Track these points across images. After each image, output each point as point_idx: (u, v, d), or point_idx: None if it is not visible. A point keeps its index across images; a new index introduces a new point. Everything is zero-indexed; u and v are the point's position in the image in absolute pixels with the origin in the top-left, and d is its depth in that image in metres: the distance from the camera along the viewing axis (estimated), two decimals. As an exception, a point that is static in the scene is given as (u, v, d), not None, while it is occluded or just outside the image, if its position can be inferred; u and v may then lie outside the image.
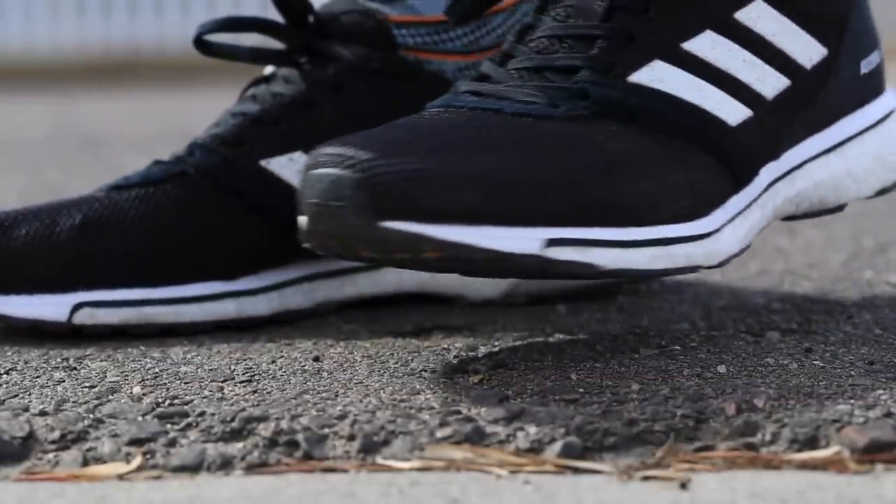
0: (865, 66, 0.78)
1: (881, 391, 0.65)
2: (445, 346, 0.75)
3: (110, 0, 5.51)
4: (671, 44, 0.70)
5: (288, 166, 0.80)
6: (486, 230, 0.64)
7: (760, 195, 0.73)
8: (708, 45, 0.71)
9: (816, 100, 0.75)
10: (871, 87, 0.79)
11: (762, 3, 0.72)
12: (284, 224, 0.79)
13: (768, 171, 0.73)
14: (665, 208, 0.67)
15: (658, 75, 0.69)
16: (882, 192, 0.80)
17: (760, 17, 0.72)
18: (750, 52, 0.72)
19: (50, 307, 0.78)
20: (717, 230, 0.70)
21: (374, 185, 0.63)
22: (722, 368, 0.69)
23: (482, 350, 0.73)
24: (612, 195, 0.66)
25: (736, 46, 0.71)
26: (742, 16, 0.72)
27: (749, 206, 0.72)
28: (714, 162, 0.70)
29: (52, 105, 3.34)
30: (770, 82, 0.72)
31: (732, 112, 0.71)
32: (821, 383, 0.66)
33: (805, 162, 0.76)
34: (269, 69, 0.85)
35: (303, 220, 0.67)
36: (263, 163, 0.80)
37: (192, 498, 0.57)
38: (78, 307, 0.78)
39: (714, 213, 0.70)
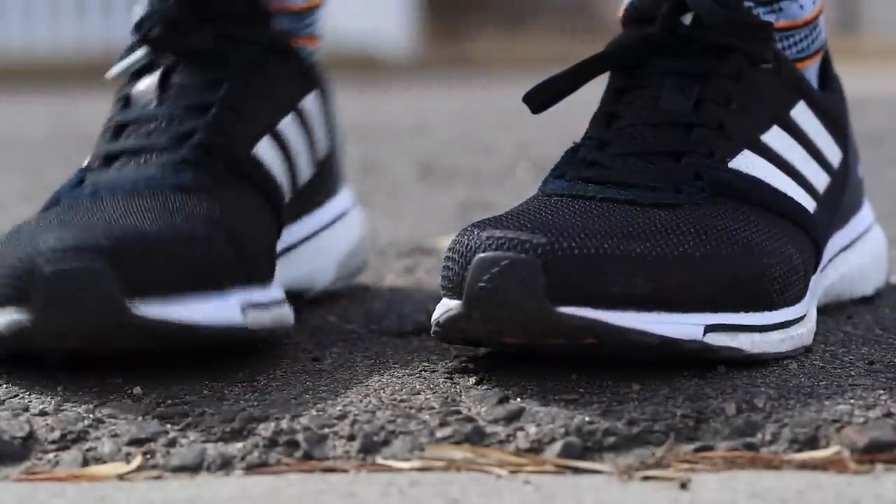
0: (860, 172, 0.84)
1: (881, 391, 0.65)
2: (445, 346, 0.75)
3: (110, 0, 5.51)
4: (754, 135, 0.73)
5: (268, 152, 0.79)
6: (655, 316, 0.66)
7: None
8: (777, 139, 0.74)
9: (843, 197, 0.80)
10: (862, 192, 0.85)
11: (803, 104, 0.76)
12: (279, 217, 0.78)
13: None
14: (789, 291, 0.71)
15: (750, 163, 0.73)
16: (876, 291, 0.86)
17: (804, 118, 0.76)
18: (803, 148, 0.76)
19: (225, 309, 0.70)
20: (808, 311, 0.73)
21: (556, 270, 0.64)
22: (722, 368, 0.69)
23: (482, 350, 0.73)
24: (754, 281, 0.68)
25: (794, 142, 0.76)
26: (794, 114, 0.76)
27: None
28: (810, 244, 0.74)
29: (52, 105, 3.34)
30: (820, 178, 0.77)
31: (806, 201, 0.75)
32: (821, 383, 0.66)
33: (835, 255, 0.80)
34: (133, 61, 0.81)
35: (454, 304, 0.66)
36: (253, 151, 0.79)
37: (192, 498, 0.57)
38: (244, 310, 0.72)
39: (808, 294, 0.73)
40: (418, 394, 0.66)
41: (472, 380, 0.68)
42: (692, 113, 0.72)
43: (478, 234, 0.65)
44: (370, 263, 1.01)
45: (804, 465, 0.59)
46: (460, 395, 0.66)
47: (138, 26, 0.80)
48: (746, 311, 0.68)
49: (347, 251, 0.89)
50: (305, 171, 0.83)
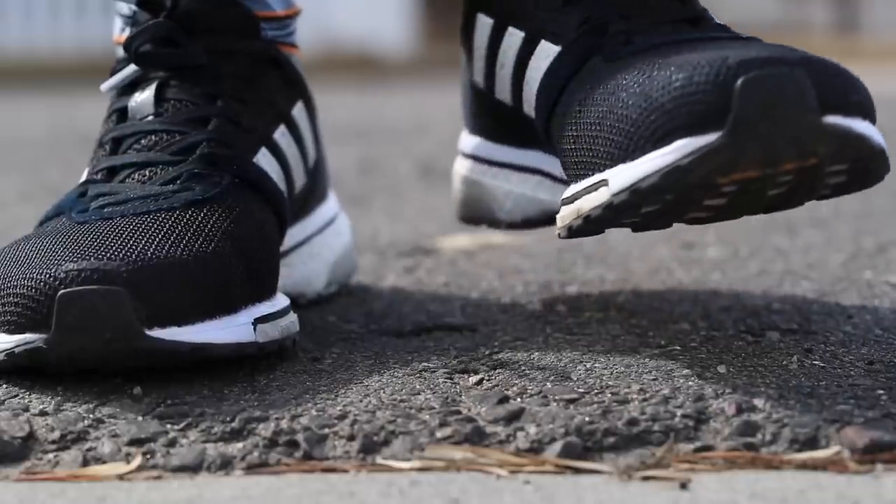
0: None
1: (881, 391, 0.65)
2: (445, 346, 0.75)
3: (110, 0, 5.51)
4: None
5: (267, 163, 0.79)
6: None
7: None
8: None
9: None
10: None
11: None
12: (283, 227, 0.79)
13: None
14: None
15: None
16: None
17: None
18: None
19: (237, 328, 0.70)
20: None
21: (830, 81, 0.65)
22: (722, 368, 0.69)
23: (482, 350, 0.73)
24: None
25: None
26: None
27: None
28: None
29: (52, 105, 3.34)
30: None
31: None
32: (821, 383, 0.66)
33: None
34: (125, 76, 0.80)
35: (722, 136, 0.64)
36: (255, 160, 0.78)
37: (192, 498, 0.57)
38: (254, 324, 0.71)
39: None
40: (418, 394, 0.66)
41: (472, 380, 0.68)
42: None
43: (750, 61, 0.65)
44: (370, 263, 1.01)
45: (804, 466, 0.59)
46: (460, 395, 0.66)
47: (128, 43, 0.80)
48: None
49: (339, 256, 0.90)
50: (299, 179, 0.83)
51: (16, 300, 0.67)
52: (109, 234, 0.70)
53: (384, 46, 5.35)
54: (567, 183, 0.74)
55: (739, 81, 0.63)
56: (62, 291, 0.65)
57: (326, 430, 0.62)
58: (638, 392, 0.65)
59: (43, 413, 0.64)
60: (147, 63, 0.79)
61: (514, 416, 0.63)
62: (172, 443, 0.62)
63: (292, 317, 0.73)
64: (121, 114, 0.79)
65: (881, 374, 0.68)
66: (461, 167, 0.89)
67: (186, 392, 0.67)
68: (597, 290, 0.89)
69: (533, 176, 0.85)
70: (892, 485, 0.57)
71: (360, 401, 0.65)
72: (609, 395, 0.65)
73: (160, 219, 0.71)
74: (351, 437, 0.62)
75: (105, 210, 0.73)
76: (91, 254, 0.67)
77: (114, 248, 0.68)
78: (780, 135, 0.63)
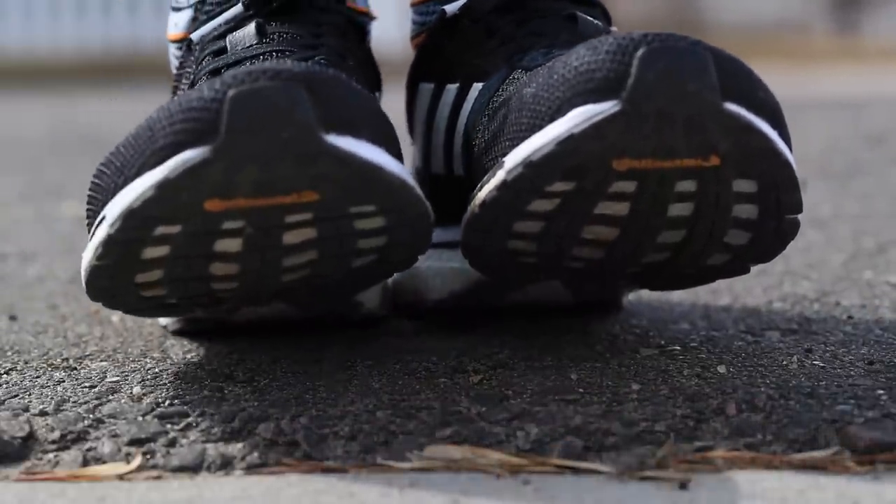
0: None
1: (881, 391, 0.65)
2: (445, 346, 0.75)
3: (110, 0, 5.51)
4: None
5: None
6: None
7: None
8: None
9: None
10: None
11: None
12: None
13: None
14: None
15: None
16: None
17: None
18: None
19: None
20: None
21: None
22: (722, 368, 0.69)
23: (482, 350, 0.73)
24: None
25: None
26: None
27: None
28: None
29: (52, 105, 3.34)
30: None
31: None
32: (821, 383, 0.66)
33: None
34: (228, 17, 0.76)
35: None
36: None
37: (192, 498, 0.57)
38: None
39: None
40: (418, 394, 0.66)
41: (472, 380, 0.68)
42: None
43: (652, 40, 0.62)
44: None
45: (804, 466, 0.59)
46: (460, 395, 0.66)
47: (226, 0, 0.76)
48: None
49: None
50: None
51: (169, 122, 0.60)
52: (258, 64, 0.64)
53: (384, 46, 5.35)
54: None
55: (640, 51, 0.60)
56: (233, 91, 0.58)
57: (326, 430, 0.62)
58: (638, 392, 0.65)
59: (43, 413, 0.64)
60: (259, 2, 0.75)
61: (514, 416, 0.63)
62: (172, 443, 0.62)
63: None
64: (215, 54, 0.74)
65: (881, 374, 0.68)
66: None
67: (186, 392, 0.67)
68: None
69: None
70: (892, 485, 0.57)
71: (360, 401, 0.65)
72: (609, 394, 0.65)
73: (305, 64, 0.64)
74: (351, 437, 0.62)
75: (245, 63, 0.67)
76: (261, 63, 0.62)
77: (277, 64, 0.61)
78: (678, 112, 0.60)
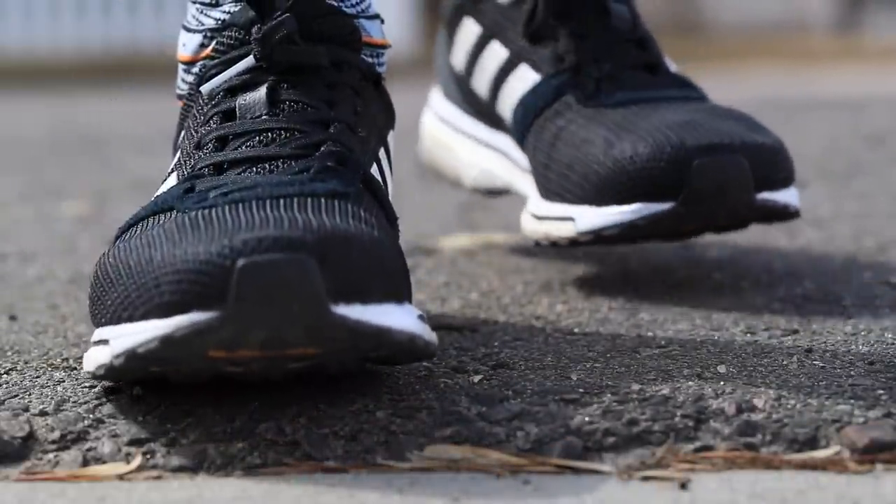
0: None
1: (881, 391, 0.65)
2: (445, 346, 0.75)
3: (110, 1, 5.51)
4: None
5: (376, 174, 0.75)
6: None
7: None
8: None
9: None
10: None
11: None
12: None
13: None
14: None
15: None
16: None
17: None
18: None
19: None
20: None
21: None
22: (722, 368, 0.69)
23: (482, 350, 0.73)
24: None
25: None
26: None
27: None
28: None
29: (52, 105, 3.34)
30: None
31: None
32: (821, 383, 0.66)
33: None
34: (239, 71, 0.74)
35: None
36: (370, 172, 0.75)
37: (193, 498, 0.57)
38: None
39: None
40: (418, 394, 0.66)
41: (472, 380, 0.68)
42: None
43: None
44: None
45: (804, 466, 0.59)
46: (460, 395, 0.66)
47: (238, 41, 0.75)
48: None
49: None
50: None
51: (175, 278, 0.60)
52: (261, 213, 0.63)
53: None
54: (536, 190, 0.90)
55: (694, 164, 0.81)
56: (243, 261, 0.58)
57: (326, 430, 0.62)
58: (638, 392, 0.65)
59: (43, 413, 0.64)
60: (268, 59, 0.73)
61: (514, 416, 0.63)
62: (172, 443, 0.62)
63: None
64: (224, 115, 0.73)
65: (881, 374, 0.68)
66: (434, 127, 1.03)
67: (186, 392, 0.67)
68: (597, 290, 0.89)
69: (497, 155, 0.97)
70: (891, 485, 0.57)
71: (360, 401, 0.65)
72: (609, 395, 0.65)
73: (309, 202, 0.64)
74: (351, 437, 0.62)
75: (231, 195, 0.65)
76: (268, 225, 0.61)
77: (284, 221, 0.61)
78: (721, 208, 0.83)
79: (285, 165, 0.68)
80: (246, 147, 0.70)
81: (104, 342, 0.63)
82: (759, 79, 3.63)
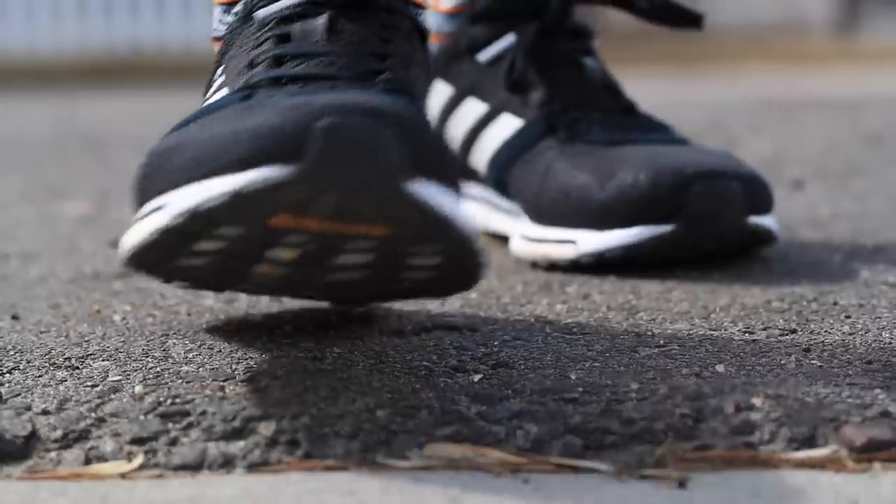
0: None
1: (879, 390, 0.65)
2: (445, 345, 0.75)
3: (112, 0, 5.51)
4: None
5: None
6: None
7: None
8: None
9: None
10: None
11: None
12: None
13: None
14: None
15: None
16: None
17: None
18: None
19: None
20: None
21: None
22: (720, 368, 0.69)
23: (482, 349, 0.73)
24: None
25: None
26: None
27: None
28: None
29: (53, 105, 3.34)
30: None
31: None
32: (819, 382, 0.66)
33: None
34: (287, 5, 0.75)
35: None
36: None
37: (194, 497, 0.58)
38: None
39: None
40: (418, 393, 0.66)
41: (472, 379, 0.68)
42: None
43: None
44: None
45: (802, 465, 0.60)
46: (460, 395, 0.66)
47: None
48: None
49: None
50: None
51: (251, 135, 0.59)
52: (338, 92, 0.63)
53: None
54: (525, 218, 0.99)
55: (693, 189, 0.91)
56: (326, 120, 0.58)
57: (327, 429, 0.62)
58: (637, 391, 0.65)
59: (45, 412, 0.65)
60: None
61: (514, 415, 0.63)
62: (174, 441, 0.62)
63: None
64: (279, 39, 0.73)
65: (879, 373, 0.68)
66: None
67: (187, 391, 0.67)
68: (597, 290, 0.89)
69: (472, 203, 1.07)
70: (889, 483, 0.57)
71: (361, 399, 0.65)
72: (608, 394, 0.65)
73: (384, 94, 0.64)
74: (351, 436, 0.62)
75: (305, 87, 0.66)
76: (342, 97, 0.60)
77: (363, 96, 0.61)
78: (717, 230, 0.93)
79: (349, 85, 0.68)
80: (305, 67, 0.69)
81: (157, 210, 0.61)
82: (757, 79, 3.63)
